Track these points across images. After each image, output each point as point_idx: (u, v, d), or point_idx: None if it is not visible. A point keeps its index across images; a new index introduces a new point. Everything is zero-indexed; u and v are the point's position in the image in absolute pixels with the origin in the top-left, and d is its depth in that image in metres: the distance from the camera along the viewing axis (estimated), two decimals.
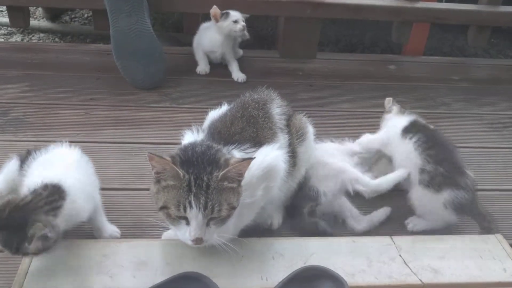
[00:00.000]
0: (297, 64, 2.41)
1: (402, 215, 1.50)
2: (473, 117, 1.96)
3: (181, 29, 2.89)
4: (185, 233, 1.07)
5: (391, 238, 1.33)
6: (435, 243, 1.32)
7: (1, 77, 2.06)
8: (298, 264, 1.17)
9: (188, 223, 1.06)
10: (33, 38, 2.91)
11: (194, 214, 1.04)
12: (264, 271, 1.19)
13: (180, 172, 1.04)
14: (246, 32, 2.20)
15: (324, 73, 2.38)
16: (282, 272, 1.15)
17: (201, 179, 1.04)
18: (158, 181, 1.08)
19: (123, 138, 1.75)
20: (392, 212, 1.50)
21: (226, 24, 2.12)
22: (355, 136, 1.69)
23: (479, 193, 1.60)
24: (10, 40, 2.89)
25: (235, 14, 2.13)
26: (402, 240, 1.32)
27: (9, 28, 2.96)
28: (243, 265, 1.19)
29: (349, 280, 1.16)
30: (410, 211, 1.51)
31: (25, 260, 1.16)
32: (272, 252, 1.24)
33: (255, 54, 2.47)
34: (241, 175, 1.07)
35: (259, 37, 2.92)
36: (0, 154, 1.61)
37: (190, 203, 1.03)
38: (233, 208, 1.08)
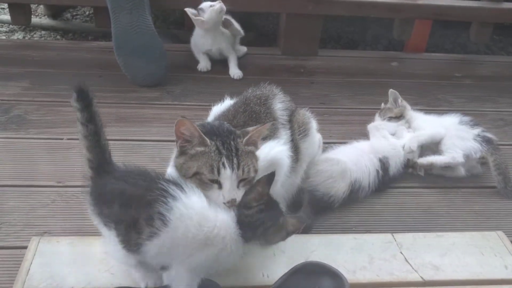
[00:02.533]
0: (298, 61, 2.40)
1: (404, 212, 1.50)
2: (475, 114, 1.95)
3: (183, 26, 2.89)
4: (218, 196, 1.07)
5: (392, 235, 1.33)
6: (436, 240, 1.33)
7: (2, 75, 2.07)
8: (299, 261, 1.17)
9: (220, 187, 1.07)
10: (34, 35, 2.92)
11: (228, 175, 1.06)
12: (265, 267, 1.19)
13: (207, 139, 1.08)
14: (237, 28, 2.20)
15: (326, 70, 2.37)
16: (283, 268, 1.16)
17: (228, 144, 1.08)
18: (183, 152, 1.10)
19: (124, 136, 1.75)
20: (393, 209, 1.51)
21: (207, 15, 2.11)
22: (356, 133, 1.69)
23: (481, 190, 1.61)
24: (12, 37, 2.89)
25: (206, 3, 2.12)
26: (403, 237, 1.32)
27: (10, 26, 2.96)
28: (245, 261, 1.18)
29: (350, 277, 1.16)
30: (411, 208, 1.52)
31: (27, 257, 1.17)
32: (273, 248, 1.23)
33: (257, 51, 2.47)
34: (259, 138, 1.14)
35: (260, 34, 2.92)
36: (2, 152, 1.62)
37: (223, 164, 1.06)
38: (256, 171, 1.10)
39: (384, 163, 1.57)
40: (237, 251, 1.03)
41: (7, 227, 1.33)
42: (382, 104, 1.86)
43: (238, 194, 1.07)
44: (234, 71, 2.20)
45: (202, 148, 1.08)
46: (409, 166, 1.63)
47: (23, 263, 1.16)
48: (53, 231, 1.33)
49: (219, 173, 1.06)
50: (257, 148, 1.14)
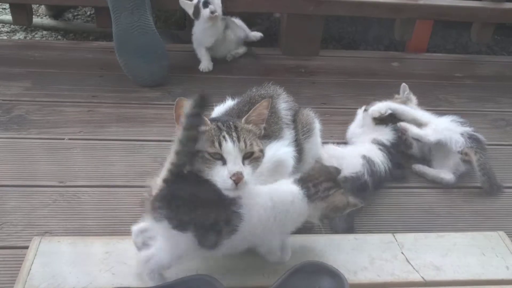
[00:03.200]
0: (300, 61, 2.40)
1: (405, 212, 1.50)
2: (476, 114, 1.96)
3: (184, 26, 2.89)
4: (223, 173, 1.04)
5: (393, 236, 1.33)
6: (437, 241, 1.33)
7: (4, 75, 2.07)
8: (299, 261, 1.17)
9: (224, 162, 1.05)
10: (36, 35, 2.92)
11: (230, 147, 1.05)
12: (265, 267, 1.19)
13: (207, 119, 1.08)
14: (243, 31, 2.22)
15: (327, 70, 2.37)
16: (285, 268, 1.15)
17: (227, 123, 1.10)
18: None
19: (126, 136, 1.76)
20: (394, 210, 1.51)
21: (203, 13, 2.13)
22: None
23: (482, 190, 1.61)
24: (13, 37, 2.89)
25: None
26: (404, 238, 1.32)
27: (12, 26, 2.96)
28: (246, 262, 1.19)
29: (351, 278, 1.16)
30: (412, 209, 1.52)
31: (28, 257, 1.17)
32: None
33: (258, 52, 2.47)
34: (261, 120, 1.14)
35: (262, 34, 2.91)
36: (4, 152, 1.62)
37: (224, 137, 1.05)
38: (261, 151, 1.10)
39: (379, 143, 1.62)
40: (304, 211, 1.13)
41: (8, 227, 1.33)
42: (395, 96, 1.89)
43: (244, 170, 1.05)
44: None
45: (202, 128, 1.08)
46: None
47: (24, 263, 1.16)
48: (54, 231, 1.33)
49: (220, 146, 1.05)
50: (260, 131, 1.14)
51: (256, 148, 1.09)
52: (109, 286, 1.10)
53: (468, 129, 1.67)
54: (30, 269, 1.14)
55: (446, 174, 1.62)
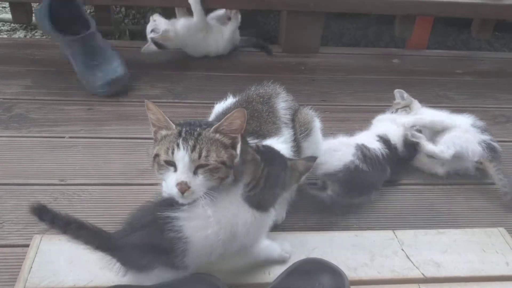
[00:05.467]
0: (300, 58, 2.40)
1: (405, 209, 1.51)
2: (477, 111, 1.95)
3: None
4: (171, 180, 1.03)
5: (394, 232, 1.33)
6: (437, 237, 1.33)
7: (4, 73, 2.07)
8: (300, 258, 1.18)
9: (176, 169, 1.04)
10: (35, 34, 2.92)
11: (181, 156, 1.02)
12: (267, 265, 1.19)
13: (171, 123, 1.07)
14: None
15: (327, 67, 2.37)
16: (285, 266, 1.16)
17: (194, 129, 1.06)
18: (155, 138, 1.10)
19: (126, 134, 1.76)
20: (394, 206, 1.51)
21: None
22: (358, 130, 1.69)
23: (482, 187, 1.61)
24: (13, 36, 2.89)
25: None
26: (405, 234, 1.33)
27: (12, 24, 2.96)
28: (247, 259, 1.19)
29: (351, 274, 1.17)
30: (412, 205, 1.52)
31: (29, 255, 1.17)
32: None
33: (258, 49, 2.46)
34: (234, 131, 1.07)
35: (261, 31, 2.91)
36: (4, 150, 1.63)
37: (178, 145, 1.03)
38: (223, 163, 1.05)
39: (385, 140, 1.60)
40: (267, 220, 1.11)
41: (9, 225, 1.34)
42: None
43: (193, 180, 1.02)
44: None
45: (166, 132, 1.08)
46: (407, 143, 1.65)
47: (25, 261, 1.16)
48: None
49: (173, 153, 1.03)
50: (233, 140, 1.08)
51: (212, 160, 1.03)
52: (109, 284, 1.10)
53: (486, 138, 1.63)
54: (31, 267, 1.15)
55: (447, 150, 1.58)
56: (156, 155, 1.06)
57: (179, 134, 1.05)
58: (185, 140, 1.03)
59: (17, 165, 1.56)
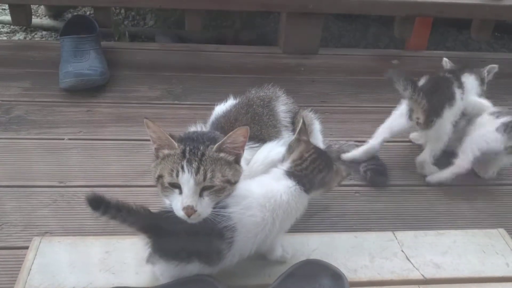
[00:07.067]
0: (299, 59, 2.40)
1: (404, 210, 1.50)
2: None
3: (183, 26, 2.88)
4: (177, 203, 1.02)
5: (393, 234, 1.33)
6: (437, 238, 1.33)
7: (3, 75, 2.07)
8: (300, 260, 1.18)
9: (181, 192, 1.02)
10: (35, 36, 2.92)
11: (186, 179, 1.00)
12: (267, 266, 1.19)
13: (174, 142, 1.04)
14: None
15: (327, 68, 2.37)
16: (284, 267, 1.16)
17: (197, 149, 1.03)
18: (157, 155, 1.07)
19: (125, 135, 1.76)
20: (394, 207, 1.51)
21: None
22: (357, 132, 1.69)
23: (482, 188, 1.60)
24: (13, 38, 2.89)
25: None
26: (404, 235, 1.32)
27: (11, 26, 2.96)
28: (247, 261, 1.18)
29: (351, 276, 1.16)
30: (412, 206, 1.51)
31: (28, 257, 1.17)
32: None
33: (257, 50, 2.47)
34: (237, 148, 1.06)
35: (261, 33, 2.91)
36: (3, 152, 1.62)
37: (182, 167, 1.00)
38: (228, 181, 1.04)
39: None
40: (302, 205, 1.13)
41: (8, 227, 1.33)
42: None
43: (200, 203, 1.01)
44: None
45: (168, 151, 1.05)
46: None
47: (24, 263, 1.16)
48: (54, 231, 1.33)
49: (177, 176, 1.01)
50: (236, 156, 1.07)
51: (218, 181, 1.02)
52: (109, 286, 1.10)
53: (504, 120, 1.55)
54: (30, 269, 1.14)
55: (463, 161, 1.55)
56: (160, 176, 1.04)
57: (183, 154, 1.02)
58: (189, 162, 1.01)
59: (16, 167, 1.56)
